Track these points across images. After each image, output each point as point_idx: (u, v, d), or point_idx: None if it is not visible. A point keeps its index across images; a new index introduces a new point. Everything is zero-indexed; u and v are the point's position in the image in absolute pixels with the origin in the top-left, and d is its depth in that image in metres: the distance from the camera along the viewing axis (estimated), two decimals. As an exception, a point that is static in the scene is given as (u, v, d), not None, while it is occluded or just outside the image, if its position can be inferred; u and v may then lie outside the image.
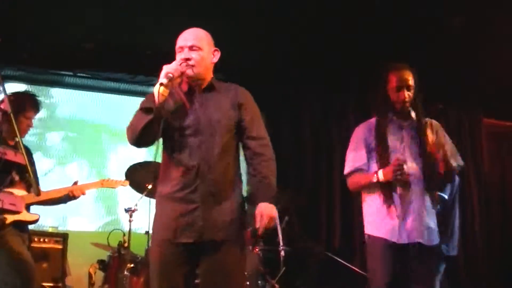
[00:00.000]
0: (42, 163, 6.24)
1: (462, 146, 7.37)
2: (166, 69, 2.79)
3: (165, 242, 2.84)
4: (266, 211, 2.82)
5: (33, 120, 4.27)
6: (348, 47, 6.07)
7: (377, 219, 3.54)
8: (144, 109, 2.80)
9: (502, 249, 7.36)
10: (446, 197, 4.57)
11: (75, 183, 4.39)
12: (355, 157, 3.69)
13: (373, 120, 3.72)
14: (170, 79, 2.75)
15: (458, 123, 7.49)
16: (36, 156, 5.10)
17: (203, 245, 2.82)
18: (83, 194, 4.37)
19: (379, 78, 3.68)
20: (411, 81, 3.58)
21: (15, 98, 4.06)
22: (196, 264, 2.88)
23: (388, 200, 3.49)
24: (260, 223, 2.80)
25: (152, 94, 2.80)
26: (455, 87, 6.85)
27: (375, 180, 3.52)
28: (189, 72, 2.87)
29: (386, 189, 3.50)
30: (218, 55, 3.04)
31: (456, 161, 3.64)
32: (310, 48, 6.17)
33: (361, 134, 3.72)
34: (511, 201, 7.69)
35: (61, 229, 6.01)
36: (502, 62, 6.24)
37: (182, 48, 2.94)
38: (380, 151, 3.57)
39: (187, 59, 2.88)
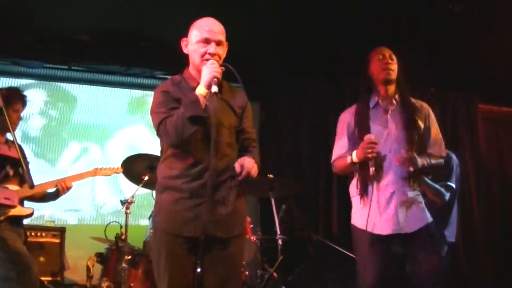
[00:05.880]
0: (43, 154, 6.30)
1: (459, 131, 7.39)
2: (212, 73, 2.75)
3: (171, 236, 2.82)
4: (246, 161, 2.80)
5: (21, 114, 4.28)
6: (347, 33, 6.01)
7: (360, 209, 3.49)
8: (192, 118, 2.71)
9: (502, 233, 7.38)
10: (453, 186, 4.57)
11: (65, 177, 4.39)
12: (338, 145, 3.62)
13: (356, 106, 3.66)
14: (216, 84, 2.75)
15: (455, 108, 7.48)
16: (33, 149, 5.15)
17: (207, 239, 2.79)
18: (69, 187, 4.34)
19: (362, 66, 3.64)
20: (392, 54, 3.53)
21: (1, 92, 4.08)
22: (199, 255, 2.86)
23: (363, 188, 3.44)
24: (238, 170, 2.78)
25: (167, 90, 2.88)
26: (452, 72, 6.83)
27: (349, 161, 3.45)
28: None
29: (362, 179, 3.43)
30: (226, 48, 3.00)
31: (438, 152, 3.55)
32: (309, 33, 6.10)
33: (343, 121, 3.64)
34: (509, 186, 7.69)
35: (59, 223, 6.02)
36: (499, 48, 6.22)
37: (208, 41, 2.88)
38: (360, 136, 3.47)
39: (215, 54, 2.85)
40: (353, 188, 3.58)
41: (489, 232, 7.25)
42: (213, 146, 2.73)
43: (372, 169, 3.35)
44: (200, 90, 2.75)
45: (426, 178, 4.18)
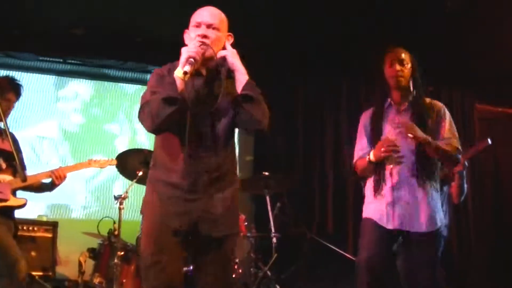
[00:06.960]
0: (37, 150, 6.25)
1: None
2: (187, 53, 2.61)
3: (160, 229, 2.72)
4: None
5: (14, 104, 4.19)
6: (343, 30, 5.99)
7: (370, 203, 3.58)
8: (166, 99, 2.58)
9: (495, 231, 7.39)
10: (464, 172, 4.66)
11: (59, 167, 4.31)
12: (358, 147, 3.74)
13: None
14: (193, 64, 2.58)
15: (451, 107, 7.47)
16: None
17: (200, 238, 2.73)
18: (64, 177, 4.26)
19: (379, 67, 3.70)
20: (403, 56, 3.57)
21: None
22: (187, 251, 2.82)
23: (377, 185, 3.53)
24: None
25: (161, 74, 2.74)
26: (449, 72, 6.82)
27: (367, 160, 3.57)
28: (209, 52, 2.70)
29: (377, 174, 3.54)
30: (231, 40, 2.90)
31: (449, 145, 3.54)
32: (309, 33, 6.09)
33: (362, 123, 3.76)
34: (503, 185, 7.71)
35: (51, 217, 5.98)
36: (496, 48, 6.23)
37: (199, 24, 2.77)
38: (373, 137, 3.60)
39: (205, 36, 2.72)
40: (369, 185, 3.65)
41: (482, 229, 7.27)
42: (188, 132, 2.68)
43: (389, 174, 3.48)
44: (177, 72, 2.59)
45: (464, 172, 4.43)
